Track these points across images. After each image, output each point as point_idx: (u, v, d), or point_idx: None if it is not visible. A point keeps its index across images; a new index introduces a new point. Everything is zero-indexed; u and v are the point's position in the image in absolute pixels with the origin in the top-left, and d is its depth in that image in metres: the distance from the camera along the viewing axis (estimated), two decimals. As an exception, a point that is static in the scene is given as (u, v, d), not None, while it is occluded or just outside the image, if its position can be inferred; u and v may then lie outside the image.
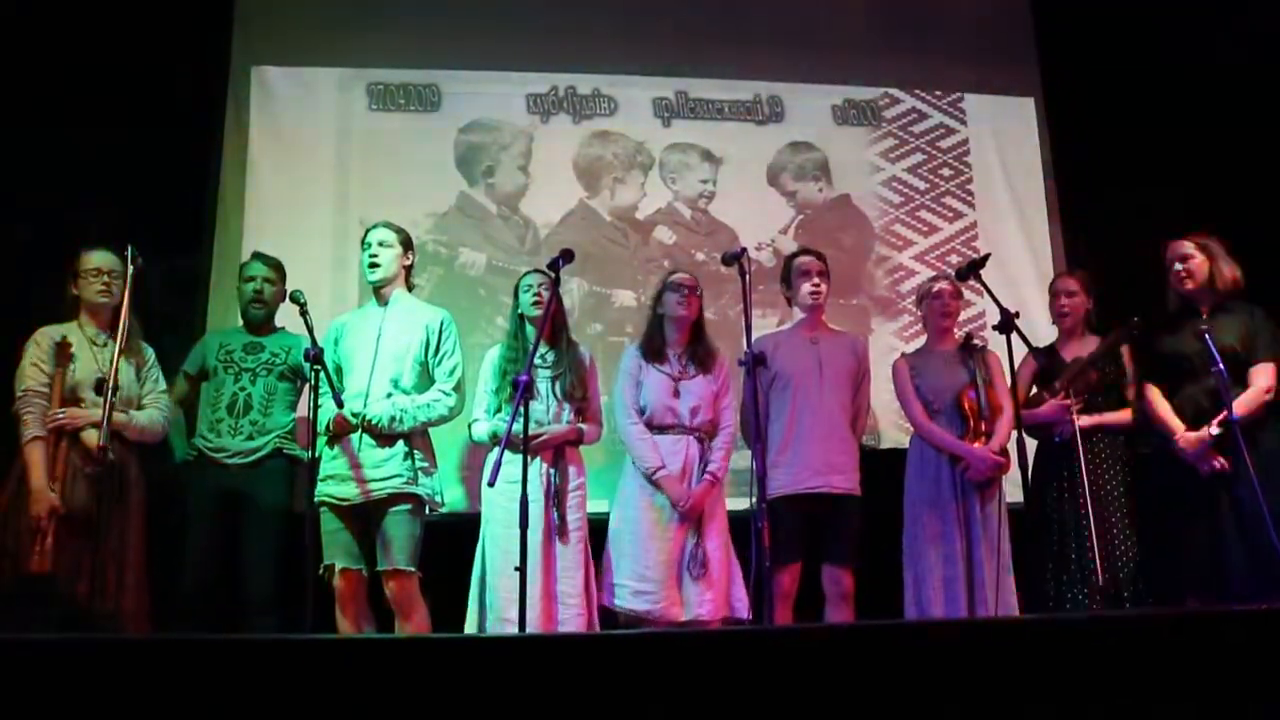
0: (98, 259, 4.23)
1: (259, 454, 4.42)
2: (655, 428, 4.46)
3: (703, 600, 4.27)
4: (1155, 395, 4.46)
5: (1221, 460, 4.21)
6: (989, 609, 4.29)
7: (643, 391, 4.49)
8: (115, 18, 5.33)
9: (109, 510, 3.92)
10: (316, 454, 4.22)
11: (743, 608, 4.31)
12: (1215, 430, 4.19)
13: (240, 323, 4.69)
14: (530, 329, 4.46)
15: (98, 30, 5.31)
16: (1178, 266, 4.48)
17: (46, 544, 3.86)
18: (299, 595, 3.91)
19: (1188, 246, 4.49)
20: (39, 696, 2.40)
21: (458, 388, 4.41)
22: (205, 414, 4.47)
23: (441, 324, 4.44)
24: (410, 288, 4.59)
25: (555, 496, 4.30)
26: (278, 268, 4.67)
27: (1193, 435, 4.28)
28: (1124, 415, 4.58)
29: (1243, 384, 4.29)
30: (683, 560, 4.32)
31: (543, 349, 4.38)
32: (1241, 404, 4.21)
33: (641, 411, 4.48)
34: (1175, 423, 4.35)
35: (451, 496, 4.77)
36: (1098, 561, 4.22)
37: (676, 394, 4.47)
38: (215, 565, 4.34)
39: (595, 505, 4.53)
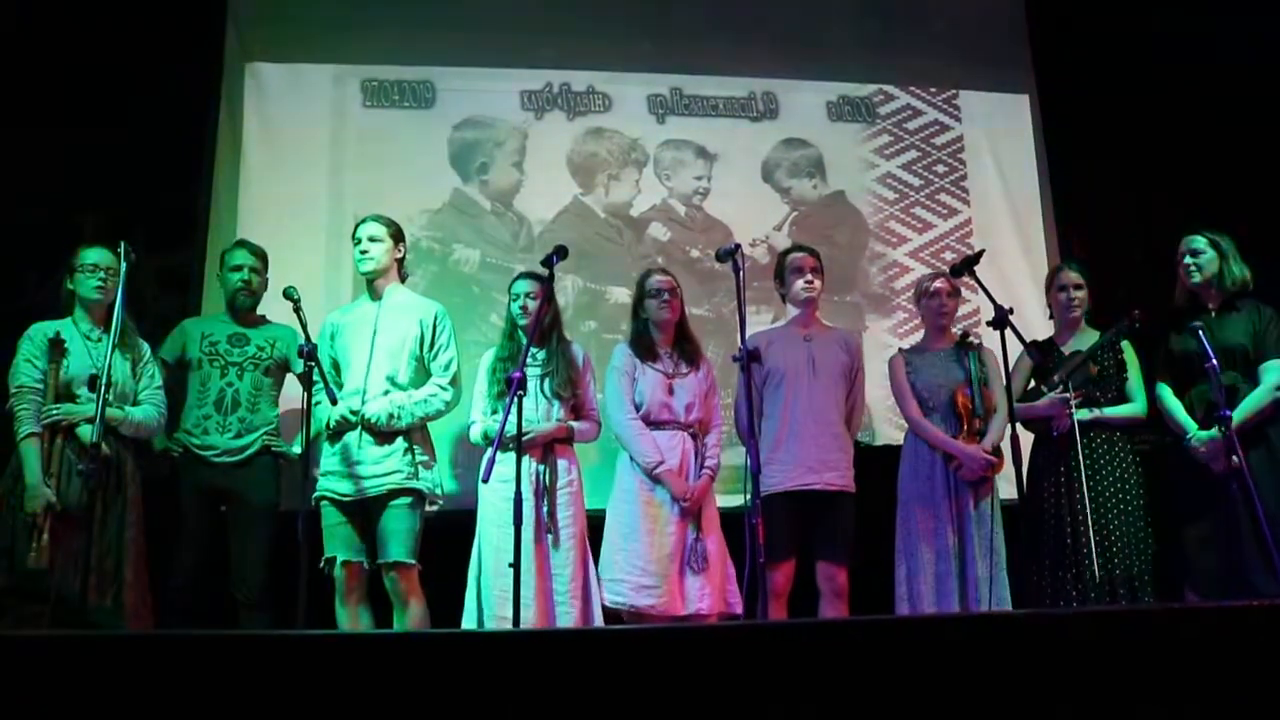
0: (95, 255, 4.22)
1: (248, 451, 4.42)
2: (651, 424, 4.47)
3: (703, 594, 4.29)
4: (1167, 394, 4.47)
5: (1236, 458, 4.16)
6: (982, 605, 4.29)
7: (638, 388, 4.50)
8: (109, 15, 5.32)
9: (105, 506, 3.91)
10: (315, 447, 4.22)
11: (737, 603, 4.33)
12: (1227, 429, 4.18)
13: (222, 311, 4.65)
14: (521, 332, 4.49)
15: (92, 27, 5.30)
16: (1188, 260, 4.48)
17: (43, 540, 3.86)
18: (290, 591, 3.91)
19: (1200, 241, 4.48)
20: (37, 693, 2.39)
21: (454, 381, 4.43)
22: (191, 409, 4.44)
23: (436, 317, 4.46)
24: (403, 279, 4.60)
25: (544, 495, 4.31)
26: (263, 256, 4.64)
27: (1205, 435, 4.28)
28: (1123, 409, 4.57)
29: (1254, 381, 4.30)
30: (684, 555, 4.33)
31: (533, 349, 4.38)
32: (1252, 401, 4.22)
33: (638, 408, 4.49)
34: (1188, 422, 4.36)
35: (450, 491, 4.77)
36: (1094, 556, 4.22)
37: (671, 391, 4.48)
38: (206, 563, 4.34)
39: (589, 503, 4.53)
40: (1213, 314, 4.43)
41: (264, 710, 2.45)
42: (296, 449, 4.52)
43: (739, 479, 4.51)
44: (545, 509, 4.30)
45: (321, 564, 4.22)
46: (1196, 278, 4.47)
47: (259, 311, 4.65)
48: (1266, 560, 4.00)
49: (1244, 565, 4.12)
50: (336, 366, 4.45)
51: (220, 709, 2.44)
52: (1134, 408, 4.57)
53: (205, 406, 4.42)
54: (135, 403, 4.23)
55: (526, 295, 4.50)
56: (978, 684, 2.58)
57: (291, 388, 4.62)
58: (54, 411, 4.03)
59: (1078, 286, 4.73)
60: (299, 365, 4.52)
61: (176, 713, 2.43)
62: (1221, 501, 4.22)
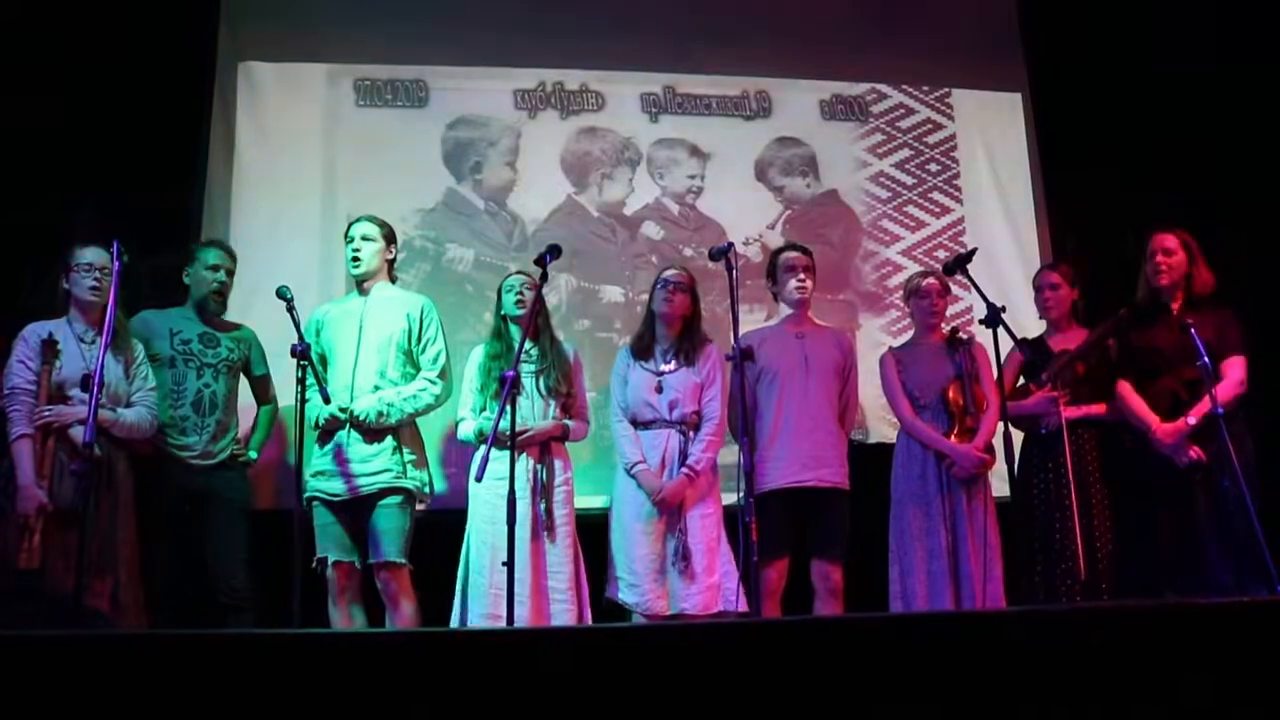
0: (91, 255, 4.20)
1: (222, 455, 4.42)
2: (639, 424, 4.48)
3: (688, 594, 4.29)
4: (1128, 390, 4.46)
5: (1198, 451, 4.23)
6: (975, 603, 4.30)
7: (626, 389, 4.52)
8: (102, 14, 5.31)
9: (97, 507, 3.90)
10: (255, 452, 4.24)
11: (739, 601, 4.30)
12: (1192, 421, 4.22)
13: (183, 306, 4.57)
14: (514, 328, 4.48)
15: (85, 27, 5.29)
16: (1159, 258, 4.49)
17: (34, 541, 3.85)
18: (279, 591, 3.91)
19: (1172, 241, 4.49)
20: (29, 693, 2.39)
21: (442, 375, 4.43)
22: (164, 408, 4.36)
23: (423, 310, 4.46)
24: (393, 280, 4.60)
25: (542, 493, 4.31)
26: (235, 258, 4.63)
27: (1170, 427, 4.30)
28: (1111, 406, 4.58)
29: (1215, 378, 4.31)
30: (666, 554, 4.34)
31: (526, 345, 4.39)
32: (1217, 395, 4.22)
33: (626, 409, 4.51)
34: (1151, 416, 4.37)
35: (439, 491, 4.77)
36: (1080, 553, 4.23)
37: (659, 389, 4.49)
38: (183, 564, 4.32)
39: (582, 501, 4.54)
40: (1177, 313, 4.43)
41: (260, 709, 2.46)
42: (253, 454, 4.58)
43: (734, 477, 4.52)
44: (543, 506, 4.30)
45: (313, 564, 4.21)
46: (1165, 278, 4.48)
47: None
48: (1230, 554, 4.04)
49: (1204, 558, 4.14)
50: (323, 361, 4.42)
51: (216, 708, 2.44)
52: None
53: (183, 407, 4.39)
54: (128, 404, 4.21)
55: (522, 285, 4.49)
56: (971, 682, 2.59)
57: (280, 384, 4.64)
58: (45, 413, 4.02)
59: (1053, 286, 4.78)
60: (258, 368, 4.60)
61: (171, 712, 2.43)
62: (1186, 496, 4.24)
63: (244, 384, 4.65)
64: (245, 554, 4.37)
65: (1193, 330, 4.16)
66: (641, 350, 4.58)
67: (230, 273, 4.57)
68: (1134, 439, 4.46)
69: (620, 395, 4.54)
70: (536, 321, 4.43)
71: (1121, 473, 4.48)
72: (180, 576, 4.31)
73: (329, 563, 4.24)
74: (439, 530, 4.50)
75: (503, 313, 4.55)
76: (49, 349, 4.08)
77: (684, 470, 4.41)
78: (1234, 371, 4.33)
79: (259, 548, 4.42)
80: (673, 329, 4.59)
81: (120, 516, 4.09)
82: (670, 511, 4.37)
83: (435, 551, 4.43)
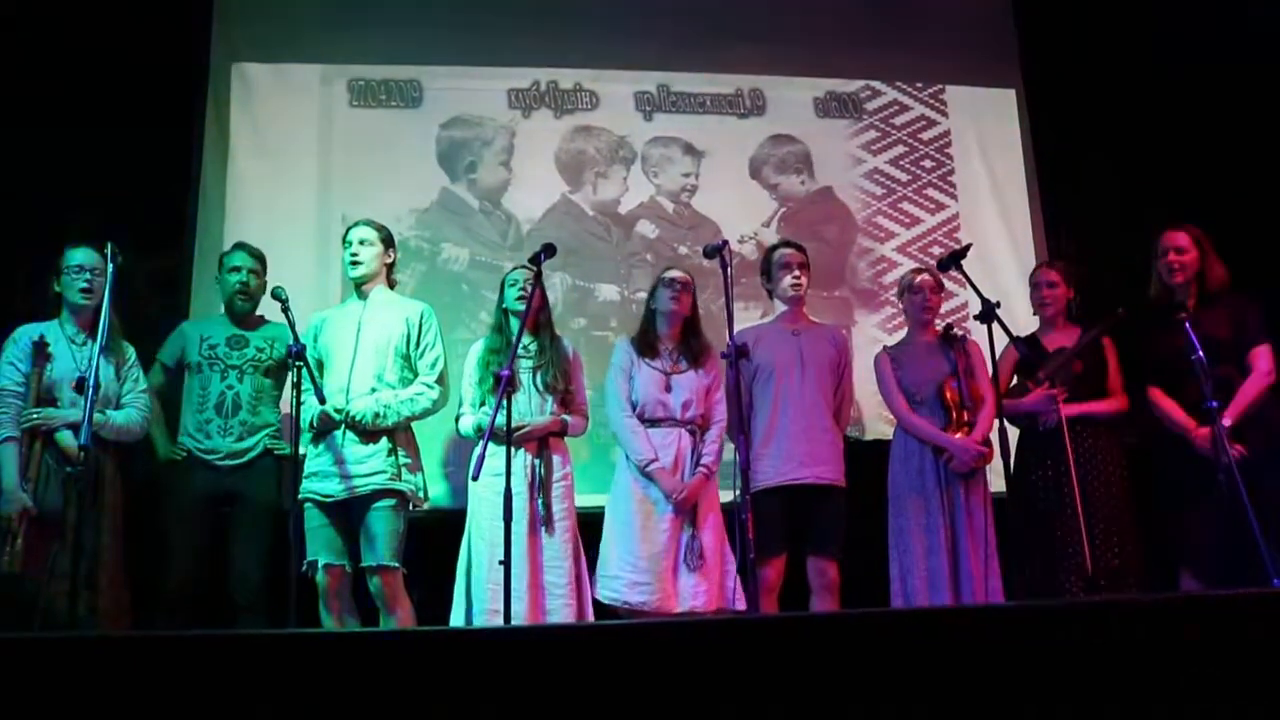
0: (81, 256, 4.19)
1: (250, 454, 4.39)
2: (646, 421, 4.47)
3: (698, 591, 4.28)
4: (1160, 396, 4.44)
5: (1240, 448, 4.15)
6: (975, 598, 4.30)
7: (634, 385, 4.50)
8: (95, 15, 5.30)
9: (82, 511, 3.85)
10: (301, 450, 4.21)
11: (739, 599, 4.31)
12: (1228, 422, 4.16)
13: (220, 313, 4.63)
14: (514, 322, 4.47)
15: (77, 27, 5.28)
16: (1172, 256, 4.47)
17: (17, 545, 3.84)
18: (283, 592, 3.90)
19: (1184, 238, 4.46)
20: (11, 695, 2.38)
21: (440, 380, 4.42)
22: (192, 413, 4.40)
23: (421, 316, 4.45)
24: (392, 285, 4.59)
25: (540, 488, 4.30)
26: (261, 259, 4.61)
27: (1207, 430, 4.22)
28: (1107, 404, 4.59)
29: (1243, 370, 4.30)
30: (678, 552, 4.32)
31: (525, 340, 4.38)
32: (1248, 389, 4.24)
33: (633, 405, 4.49)
34: (1187, 419, 4.33)
35: (435, 492, 4.76)
36: (1086, 550, 4.23)
37: (668, 388, 4.48)
38: (205, 565, 4.31)
39: (581, 499, 4.53)
40: (1190, 310, 4.41)
41: (255, 711, 2.45)
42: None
43: (730, 475, 4.51)
44: (540, 501, 4.29)
45: (304, 567, 4.19)
46: (1179, 276, 4.46)
47: (257, 313, 4.62)
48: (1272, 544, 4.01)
49: (1247, 545, 4.11)
50: (320, 365, 4.41)
51: (210, 710, 2.43)
52: (1116, 402, 4.60)
53: (206, 410, 4.39)
54: (118, 406, 4.20)
55: (525, 281, 4.47)
56: (972, 677, 2.58)
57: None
58: (33, 416, 4.00)
59: (1050, 284, 4.76)
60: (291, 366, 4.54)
61: (165, 715, 2.42)
62: (1223, 487, 4.21)
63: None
64: (266, 556, 4.34)
65: (1187, 326, 4.11)
66: (646, 347, 4.56)
67: (255, 272, 4.56)
68: (1134, 436, 4.45)
69: (626, 390, 4.50)
70: (537, 318, 4.42)
71: (1146, 469, 4.46)
72: (198, 576, 4.30)
73: (320, 566, 4.22)
74: (436, 530, 4.50)
75: (504, 307, 4.55)
76: (39, 351, 4.06)
77: (701, 470, 4.41)
78: (1260, 361, 4.31)
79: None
80: (675, 328, 4.59)
81: (106, 521, 4.06)
82: (683, 510, 4.36)
83: (432, 552, 4.42)
